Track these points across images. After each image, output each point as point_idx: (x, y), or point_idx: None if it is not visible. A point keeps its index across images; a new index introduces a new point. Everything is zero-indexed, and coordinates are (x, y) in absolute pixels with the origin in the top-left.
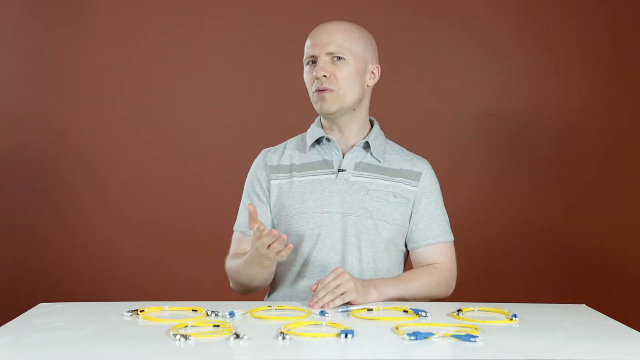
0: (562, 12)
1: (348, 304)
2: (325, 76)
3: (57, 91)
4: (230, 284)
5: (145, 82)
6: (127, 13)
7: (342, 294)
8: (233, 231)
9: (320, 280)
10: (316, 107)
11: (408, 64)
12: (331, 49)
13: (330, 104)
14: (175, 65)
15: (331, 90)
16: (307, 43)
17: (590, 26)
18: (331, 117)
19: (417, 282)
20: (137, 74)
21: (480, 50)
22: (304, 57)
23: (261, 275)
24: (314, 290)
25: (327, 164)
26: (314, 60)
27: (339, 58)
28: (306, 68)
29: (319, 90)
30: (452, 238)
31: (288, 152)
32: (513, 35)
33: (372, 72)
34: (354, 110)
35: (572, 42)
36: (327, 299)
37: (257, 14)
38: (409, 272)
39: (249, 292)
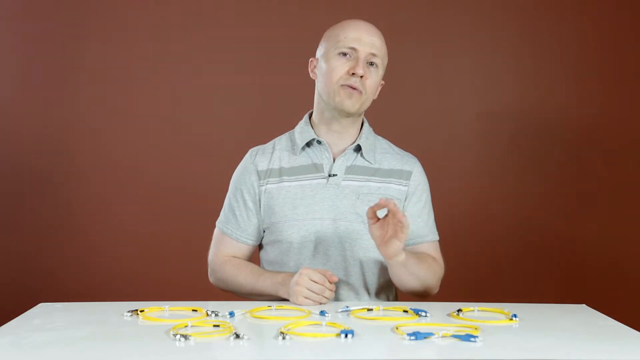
0: (563, 12)
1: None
2: (361, 76)
3: (57, 91)
4: (212, 279)
5: (144, 81)
6: (125, 13)
7: (401, 230)
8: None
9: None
10: (335, 99)
11: (408, 64)
12: (374, 50)
13: (355, 104)
14: (172, 65)
15: (360, 92)
16: (345, 33)
17: (590, 26)
18: (343, 115)
19: (427, 263)
20: (135, 74)
21: (480, 49)
22: (335, 45)
23: (260, 298)
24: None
25: (317, 167)
26: (346, 53)
27: (372, 64)
28: (336, 58)
29: (350, 87)
30: (437, 237)
31: (277, 153)
32: (513, 35)
33: (378, 87)
34: (360, 115)
35: (573, 42)
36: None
37: (255, 14)
38: (421, 254)
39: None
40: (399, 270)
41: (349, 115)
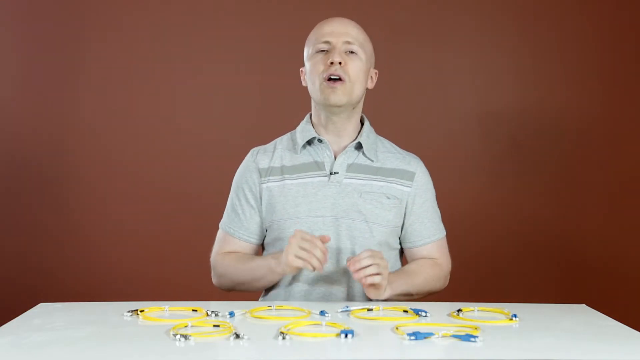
0: (563, 12)
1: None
2: (340, 63)
3: (57, 91)
4: (214, 279)
5: (144, 81)
6: (125, 13)
7: (376, 275)
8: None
9: (354, 257)
10: (321, 96)
11: (408, 64)
12: (349, 38)
13: (341, 96)
14: (173, 65)
15: (342, 81)
16: (318, 32)
17: (590, 26)
18: (335, 111)
19: (422, 277)
20: (135, 74)
21: (480, 49)
22: (313, 45)
23: (259, 284)
24: (349, 264)
25: (318, 165)
26: (323, 49)
27: (352, 52)
28: (315, 56)
29: (331, 80)
30: (444, 232)
31: (278, 152)
32: (513, 35)
33: (371, 77)
34: (353, 109)
35: (573, 42)
36: (372, 269)
37: (255, 14)
38: (411, 266)
39: (234, 290)
40: (394, 298)
41: (340, 110)
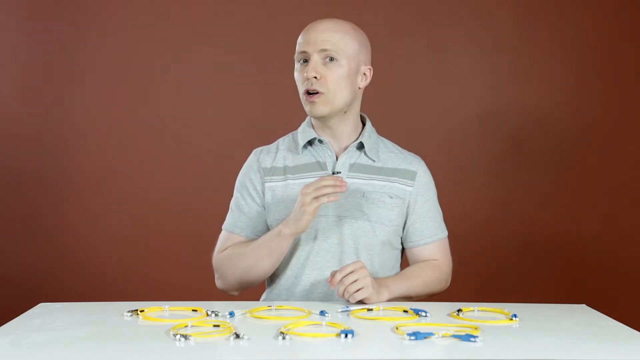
0: (563, 12)
1: (359, 302)
2: (315, 77)
3: (56, 91)
4: (218, 282)
5: (144, 82)
6: (124, 14)
7: (358, 290)
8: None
9: (335, 271)
10: (305, 108)
11: (408, 64)
12: (326, 46)
13: (321, 107)
14: (172, 66)
15: (320, 94)
16: (300, 39)
17: (590, 26)
18: (321, 120)
19: (421, 280)
20: (135, 75)
21: (480, 49)
22: (295, 54)
23: (268, 261)
24: (331, 283)
25: (320, 165)
26: (305, 59)
27: (332, 59)
28: (297, 66)
29: (308, 93)
30: (446, 233)
31: (281, 153)
32: (514, 35)
33: (364, 74)
34: (345, 112)
35: (573, 42)
36: (345, 296)
37: (255, 14)
38: (411, 269)
39: (240, 288)
40: (394, 299)
41: (328, 118)
